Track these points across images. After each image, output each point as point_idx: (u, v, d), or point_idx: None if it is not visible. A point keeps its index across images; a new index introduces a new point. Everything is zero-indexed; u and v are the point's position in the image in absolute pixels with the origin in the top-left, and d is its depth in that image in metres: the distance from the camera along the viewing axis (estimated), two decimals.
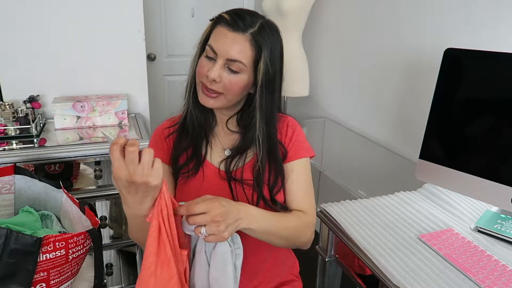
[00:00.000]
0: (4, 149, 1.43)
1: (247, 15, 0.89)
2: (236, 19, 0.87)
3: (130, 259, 1.79)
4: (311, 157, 1.02)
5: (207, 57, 0.90)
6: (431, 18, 1.52)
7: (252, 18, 0.89)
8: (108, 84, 1.86)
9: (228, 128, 0.99)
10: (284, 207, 0.98)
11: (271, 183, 0.96)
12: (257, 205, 0.94)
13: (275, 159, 0.96)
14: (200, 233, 0.75)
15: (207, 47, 0.89)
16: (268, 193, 0.96)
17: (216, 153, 1.00)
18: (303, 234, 0.95)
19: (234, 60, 0.87)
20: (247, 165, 0.97)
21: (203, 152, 0.99)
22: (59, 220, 1.24)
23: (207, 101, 0.91)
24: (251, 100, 0.95)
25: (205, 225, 0.75)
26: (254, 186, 0.96)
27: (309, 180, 1.01)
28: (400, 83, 1.71)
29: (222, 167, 0.98)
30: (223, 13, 0.91)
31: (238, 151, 0.97)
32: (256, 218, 0.84)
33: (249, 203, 0.93)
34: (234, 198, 0.95)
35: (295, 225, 0.93)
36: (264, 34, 0.88)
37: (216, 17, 0.91)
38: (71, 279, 1.05)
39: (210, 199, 0.77)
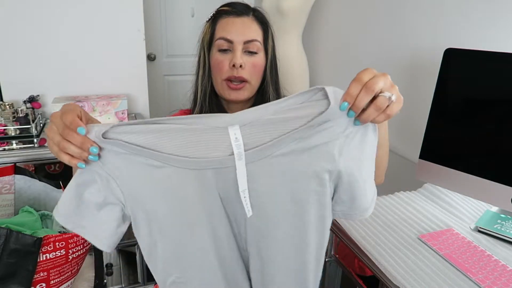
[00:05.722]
0: (4, 149, 1.43)
1: (238, 2, 0.95)
2: (236, 6, 0.93)
3: (130, 259, 1.79)
4: None
5: (221, 51, 0.91)
6: (431, 18, 1.52)
7: (244, 3, 0.96)
8: (108, 84, 1.86)
9: None
10: None
11: None
12: None
13: None
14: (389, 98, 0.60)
15: (218, 41, 0.91)
16: None
17: None
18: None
19: (251, 41, 0.90)
20: None
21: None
22: None
23: (238, 95, 0.93)
24: (262, 87, 0.98)
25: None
26: None
27: None
28: (400, 83, 1.70)
29: None
30: (217, 10, 0.95)
31: None
32: None
33: None
34: None
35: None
36: (260, 13, 0.96)
37: (212, 15, 0.95)
38: (71, 279, 1.05)
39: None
